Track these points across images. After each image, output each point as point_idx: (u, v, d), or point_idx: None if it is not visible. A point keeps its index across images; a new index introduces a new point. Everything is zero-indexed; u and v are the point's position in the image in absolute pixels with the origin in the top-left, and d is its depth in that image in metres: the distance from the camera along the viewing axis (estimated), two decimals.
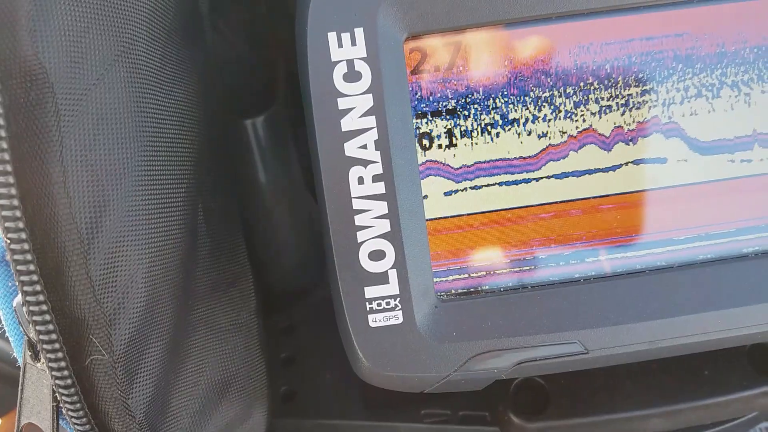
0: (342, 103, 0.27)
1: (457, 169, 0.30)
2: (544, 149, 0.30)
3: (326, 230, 0.29)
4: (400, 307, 0.29)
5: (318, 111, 0.27)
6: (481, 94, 0.29)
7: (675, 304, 0.29)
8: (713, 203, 0.31)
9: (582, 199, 0.30)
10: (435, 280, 0.30)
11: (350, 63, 0.27)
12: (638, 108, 0.30)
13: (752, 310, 0.29)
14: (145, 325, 0.27)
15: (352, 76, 0.27)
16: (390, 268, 0.29)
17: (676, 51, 0.29)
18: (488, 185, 0.30)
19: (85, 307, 0.24)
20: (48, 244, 0.22)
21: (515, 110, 0.29)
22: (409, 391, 0.30)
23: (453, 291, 0.30)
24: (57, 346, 0.23)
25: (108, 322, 0.25)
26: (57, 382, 0.24)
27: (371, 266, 0.29)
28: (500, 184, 0.30)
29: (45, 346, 0.23)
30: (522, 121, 0.29)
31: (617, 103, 0.30)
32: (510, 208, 0.30)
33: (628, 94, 0.30)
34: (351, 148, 0.28)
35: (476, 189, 0.30)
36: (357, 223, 0.28)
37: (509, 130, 0.29)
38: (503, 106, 0.29)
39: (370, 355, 0.29)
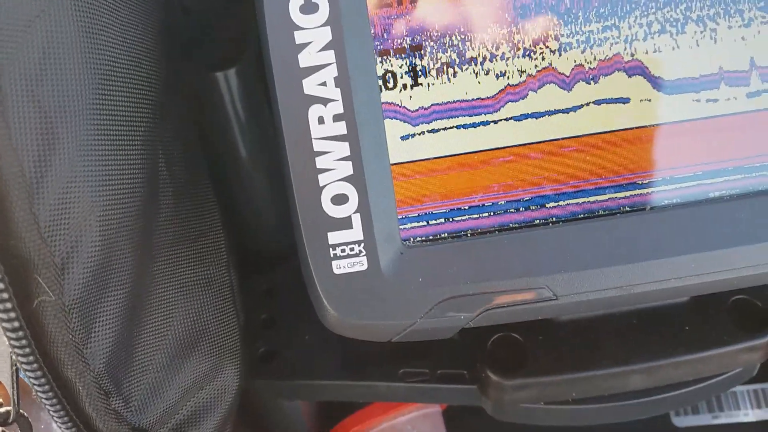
0: (299, 37, 0.26)
1: (414, 111, 0.29)
2: (502, 89, 0.29)
3: (286, 173, 0.28)
4: (364, 253, 0.28)
5: (274, 45, 0.26)
6: (437, 30, 0.28)
7: (647, 247, 0.28)
8: (678, 145, 0.30)
9: (542, 141, 0.29)
10: (400, 225, 0.29)
11: None
12: (599, 45, 0.29)
13: (727, 254, 0.28)
14: (101, 271, 0.27)
15: (308, 7, 0.26)
16: (353, 213, 0.28)
17: None
18: (445, 128, 0.29)
19: (30, 245, 0.23)
20: None
21: (472, 48, 0.28)
22: (375, 340, 0.29)
23: (418, 237, 0.29)
24: (1, 286, 0.22)
25: (58, 264, 0.24)
26: (4, 324, 0.23)
27: (334, 211, 0.28)
28: (458, 127, 0.29)
29: None
30: (479, 59, 0.28)
31: (578, 40, 0.29)
32: (469, 153, 0.29)
33: (589, 31, 0.29)
34: (310, 86, 0.27)
35: (433, 132, 0.29)
36: (318, 166, 0.28)
37: (466, 69, 0.28)
38: (460, 43, 0.28)
39: (336, 303, 0.28)
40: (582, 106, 0.29)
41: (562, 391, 0.36)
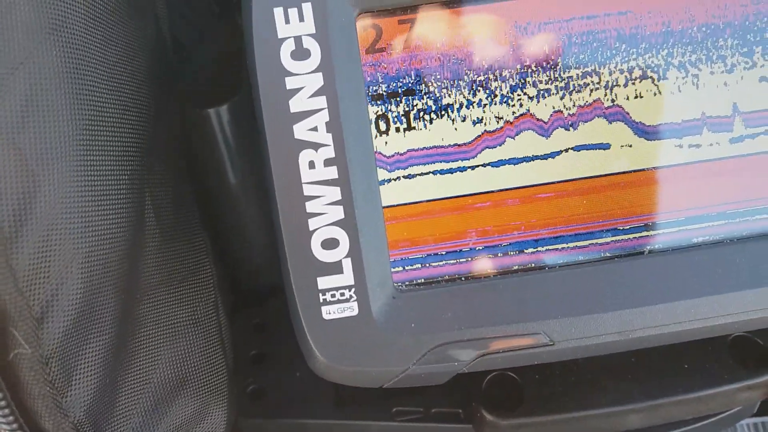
0: (290, 83, 0.26)
1: (389, 157, 0.28)
2: (479, 136, 0.28)
3: (276, 218, 0.27)
4: (355, 298, 0.27)
5: (265, 91, 0.26)
6: (412, 78, 0.27)
7: (645, 292, 0.28)
8: (659, 191, 0.29)
9: (519, 188, 0.29)
10: (392, 269, 0.28)
11: (298, 40, 0.26)
12: (579, 91, 0.28)
13: (727, 299, 0.28)
14: (82, 319, 0.26)
15: (300, 53, 0.26)
16: (344, 257, 0.27)
17: (619, 30, 0.28)
18: (421, 174, 0.28)
19: (6, 298, 0.22)
20: None
21: (449, 95, 0.28)
22: (367, 386, 0.29)
23: (411, 281, 0.29)
24: None
25: (36, 315, 0.23)
26: None
27: (324, 255, 0.27)
28: (434, 173, 0.28)
29: None
30: (456, 106, 0.28)
31: (556, 86, 0.28)
32: (454, 197, 0.28)
33: (568, 77, 0.28)
34: (301, 131, 0.26)
35: (409, 178, 0.28)
36: (308, 210, 0.27)
37: (443, 116, 0.28)
38: (436, 90, 0.28)
39: (325, 349, 0.28)
40: (560, 152, 0.29)
41: (559, 430, 0.36)
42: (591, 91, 0.28)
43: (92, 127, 0.26)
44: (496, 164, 0.29)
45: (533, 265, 0.29)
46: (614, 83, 0.28)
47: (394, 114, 0.28)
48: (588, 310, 0.28)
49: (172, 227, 0.33)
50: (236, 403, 0.38)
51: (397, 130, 0.28)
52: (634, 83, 0.28)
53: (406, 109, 0.28)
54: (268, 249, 0.46)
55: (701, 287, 0.28)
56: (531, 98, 0.28)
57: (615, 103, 0.29)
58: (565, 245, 0.29)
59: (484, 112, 0.28)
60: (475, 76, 0.28)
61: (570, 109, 0.28)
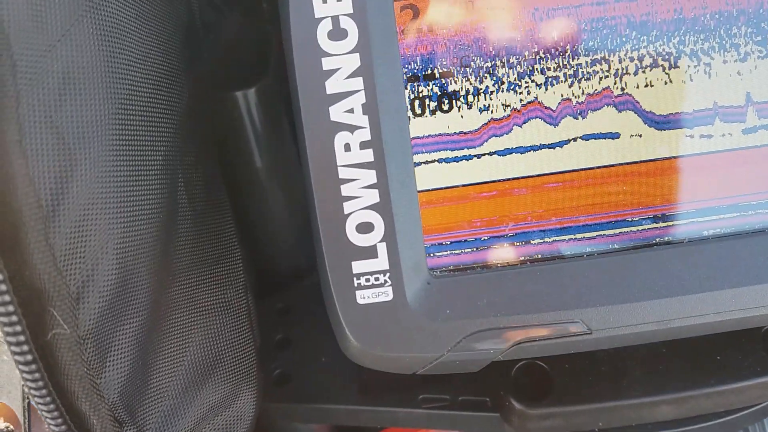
0: (327, 64, 0.25)
1: (424, 139, 0.28)
2: (485, 123, 0.28)
3: (311, 201, 0.27)
4: (389, 282, 0.27)
5: (301, 72, 0.25)
6: (419, 63, 0.27)
7: (685, 282, 0.27)
8: (669, 182, 0.28)
9: (526, 177, 0.28)
10: (427, 254, 0.28)
11: (335, 20, 0.25)
12: (588, 79, 0.28)
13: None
14: (117, 300, 0.26)
15: (337, 33, 0.25)
16: (379, 242, 0.27)
17: (629, 17, 0.27)
18: (455, 159, 0.28)
19: (45, 277, 0.22)
20: (3, 208, 0.21)
21: (455, 82, 0.27)
22: (400, 372, 0.28)
23: (446, 266, 0.28)
24: (15, 318, 0.21)
25: (73, 294, 0.23)
26: (17, 357, 0.22)
27: (359, 239, 0.27)
28: (466, 158, 0.28)
29: (2, 319, 0.22)
30: (462, 93, 0.27)
31: (565, 73, 0.27)
32: (482, 183, 0.28)
33: (577, 64, 0.27)
34: (337, 113, 0.26)
35: (445, 162, 0.28)
36: (343, 194, 0.27)
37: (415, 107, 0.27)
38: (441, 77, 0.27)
39: (359, 334, 0.27)
40: (569, 141, 0.28)
41: (589, 420, 0.35)
42: (600, 79, 0.28)
43: (127, 106, 0.26)
44: (502, 153, 0.28)
45: (571, 253, 0.29)
46: (624, 71, 0.28)
47: (430, 96, 0.27)
48: (626, 299, 0.27)
49: (204, 209, 0.32)
50: (263, 388, 0.38)
51: (433, 112, 0.27)
52: (644, 71, 0.28)
53: (443, 91, 0.27)
54: (292, 234, 0.45)
55: (742, 277, 0.27)
56: (539, 86, 0.28)
57: (625, 91, 0.28)
58: (602, 232, 0.28)
59: (490, 99, 0.27)
60: (482, 62, 0.27)
61: (579, 97, 0.28)
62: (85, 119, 0.23)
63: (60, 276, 0.23)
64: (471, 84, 0.27)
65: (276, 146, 0.41)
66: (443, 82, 0.27)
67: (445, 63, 0.27)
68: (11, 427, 0.28)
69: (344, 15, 0.25)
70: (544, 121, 0.28)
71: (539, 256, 0.29)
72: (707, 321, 0.27)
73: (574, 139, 0.28)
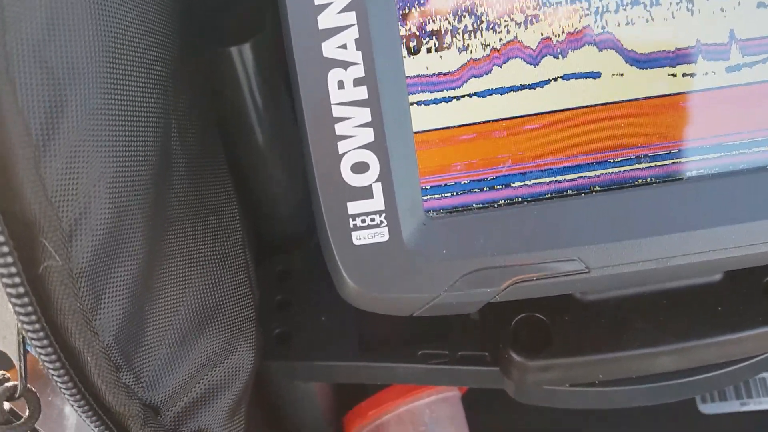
0: None
1: (419, 77, 0.27)
2: (465, 64, 0.27)
3: (305, 140, 0.27)
4: (385, 223, 0.27)
5: (292, 6, 0.25)
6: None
7: (683, 218, 0.27)
8: (652, 122, 0.28)
9: (506, 119, 0.28)
10: (423, 195, 0.28)
11: None
12: (568, 17, 0.27)
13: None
14: (111, 240, 0.25)
15: None
16: (374, 182, 0.27)
17: None
18: (457, 98, 0.28)
19: (36, 208, 0.22)
20: None
21: (413, 23, 0.27)
22: (396, 314, 0.28)
23: (443, 208, 0.28)
24: (5, 249, 0.21)
25: (66, 229, 0.23)
26: (9, 290, 0.22)
27: (354, 179, 0.27)
28: (470, 95, 0.27)
29: None
30: (422, 34, 0.27)
31: (545, 12, 0.27)
32: (480, 123, 0.28)
33: (557, 2, 0.27)
34: (329, 48, 0.26)
35: (446, 101, 0.27)
36: (337, 132, 0.26)
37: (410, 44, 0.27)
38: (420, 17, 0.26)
39: (355, 275, 0.27)
40: (549, 81, 0.28)
41: (588, 372, 0.35)
42: (580, 17, 0.27)
43: (118, 44, 0.25)
44: (482, 94, 0.28)
45: (567, 191, 0.28)
46: (605, 9, 0.27)
47: (425, 33, 0.27)
48: (624, 236, 0.27)
49: (198, 157, 0.32)
50: (262, 343, 0.38)
51: (429, 50, 0.27)
52: (625, 9, 0.27)
53: (437, 28, 0.27)
54: (292, 196, 0.45)
55: (742, 213, 0.27)
56: (518, 24, 0.27)
57: (605, 30, 0.27)
58: (601, 171, 0.28)
59: (469, 39, 0.27)
60: (461, 1, 0.27)
61: (559, 36, 0.27)
62: (75, 55, 0.23)
63: (52, 209, 0.23)
64: (450, 24, 0.27)
65: (273, 104, 0.41)
66: (441, 19, 0.27)
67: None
68: (7, 375, 0.28)
69: None
70: (525, 61, 0.27)
71: (535, 195, 0.28)
72: (708, 258, 0.27)
73: (555, 79, 0.28)
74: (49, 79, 0.22)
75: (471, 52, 0.27)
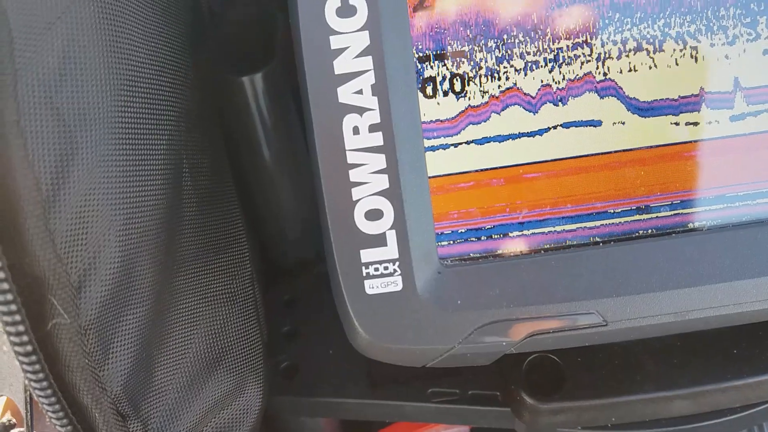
0: (335, 42, 0.25)
1: (435, 123, 0.27)
2: (462, 111, 0.27)
3: (319, 187, 0.26)
4: (399, 272, 0.26)
5: (308, 50, 0.25)
6: (466, 37, 0.26)
7: (703, 272, 0.26)
8: (654, 172, 0.27)
9: (505, 167, 0.27)
10: (438, 243, 0.27)
11: None
12: (569, 64, 0.27)
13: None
14: (120, 289, 0.25)
15: (346, 10, 0.24)
16: (388, 229, 0.26)
17: None
18: (467, 142, 0.27)
19: (45, 264, 0.22)
20: (1, 190, 0.20)
21: (430, 67, 0.26)
22: (409, 365, 0.28)
23: (457, 256, 0.28)
24: (14, 307, 0.21)
25: (74, 283, 0.23)
26: (17, 348, 0.22)
27: (368, 227, 0.26)
28: (476, 141, 0.27)
29: (1, 308, 0.21)
30: (438, 79, 0.26)
31: (545, 58, 0.26)
32: (494, 168, 0.27)
33: (558, 48, 0.26)
34: (345, 94, 0.25)
35: (456, 147, 0.27)
36: (352, 179, 0.26)
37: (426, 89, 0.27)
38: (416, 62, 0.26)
39: (368, 325, 0.27)
40: (548, 129, 0.27)
41: (602, 415, 0.34)
42: (582, 63, 0.27)
43: (129, 87, 0.25)
44: (480, 142, 0.27)
45: (583, 242, 0.28)
46: (607, 55, 0.27)
47: (442, 77, 0.26)
48: (643, 289, 0.26)
49: (209, 196, 0.32)
50: (270, 380, 0.37)
51: (445, 94, 0.27)
52: (628, 56, 0.27)
53: (456, 71, 0.26)
54: (300, 223, 0.45)
55: (763, 267, 0.27)
56: (518, 71, 0.27)
57: (607, 76, 0.27)
58: (619, 220, 0.28)
59: (468, 85, 0.27)
60: (458, 47, 0.26)
61: (559, 83, 0.27)
62: (86, 100, 0.23)
63: (60, 264, 0.22)
64: (449, 70, 0.26)
65: (283, 133, 0.40)
66: (457, 61, 0.26)
67: (460, 42, 0.26)
68: (13, 420, 0.28)
69: None
70: (524, 108, 0.27)
71: (552, 245, 0.28)
72: (727, 312, 0.27)
73: (554, 127, 0.27)
74: (61, 127, 0.22)
75: (469, 99, 0.27)
